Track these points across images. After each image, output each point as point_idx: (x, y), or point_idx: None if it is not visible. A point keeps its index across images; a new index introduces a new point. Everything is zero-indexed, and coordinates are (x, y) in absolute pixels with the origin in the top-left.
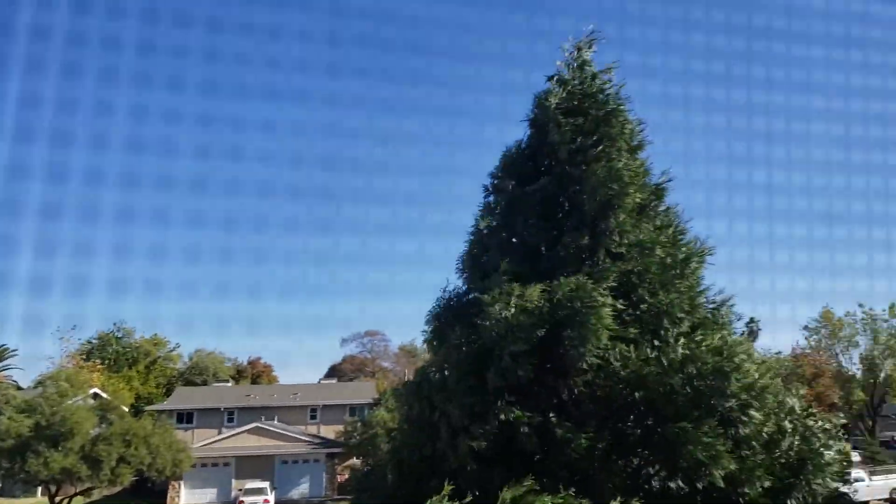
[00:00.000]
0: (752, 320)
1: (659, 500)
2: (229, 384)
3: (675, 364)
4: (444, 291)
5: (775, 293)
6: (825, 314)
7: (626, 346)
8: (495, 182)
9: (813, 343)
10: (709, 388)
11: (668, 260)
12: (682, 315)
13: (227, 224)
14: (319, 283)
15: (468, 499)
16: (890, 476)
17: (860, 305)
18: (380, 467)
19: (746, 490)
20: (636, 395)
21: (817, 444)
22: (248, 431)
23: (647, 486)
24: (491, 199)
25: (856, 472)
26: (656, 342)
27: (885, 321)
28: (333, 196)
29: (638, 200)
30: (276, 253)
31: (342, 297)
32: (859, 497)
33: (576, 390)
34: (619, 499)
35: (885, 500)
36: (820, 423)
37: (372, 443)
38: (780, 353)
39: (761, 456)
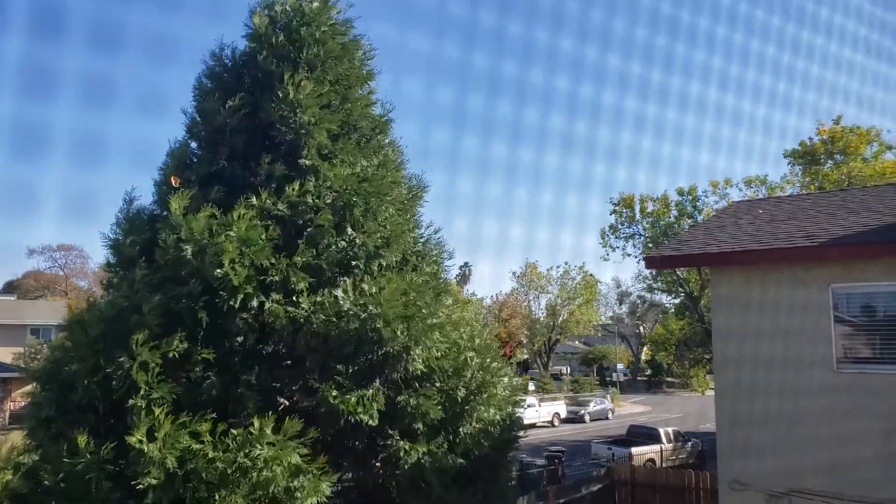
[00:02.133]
0: (465, 265)
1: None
2: None
3: (350, 309)
4: (129, 205)
5: (501, 243)
6: (531, 267)
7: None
8: (202, 96)
9: (516, 288)
10: (374, 332)
11: (382, 192)
12: (387, 252)
13: None
14: None
15: None
16: (555, 402)
17: (565, 263)
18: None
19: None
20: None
21: (491, 376)
22: None
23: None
24: (197, 116)
25: (529, 399)
26: (346, 280)
27: (573, 278)
28: None
29: (336, 129)
30: None
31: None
32: (529, 420)
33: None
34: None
35: (548, 421)
36: (496, 356)
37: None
38: (481, 297)
39: (438, 385)
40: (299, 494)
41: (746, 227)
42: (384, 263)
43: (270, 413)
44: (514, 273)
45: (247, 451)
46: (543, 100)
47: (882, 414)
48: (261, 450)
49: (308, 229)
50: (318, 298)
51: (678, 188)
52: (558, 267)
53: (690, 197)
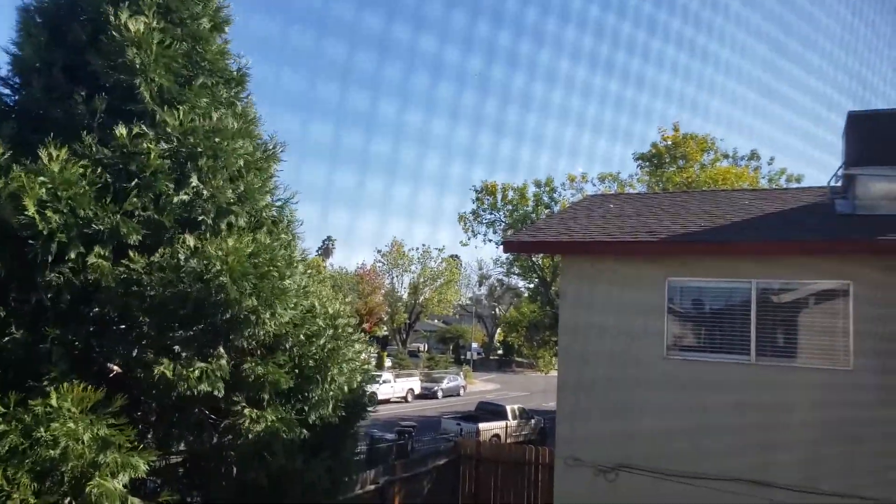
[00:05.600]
0: (328, 239)
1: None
2: None
3: (194, 267)
4: None
5: (366, 218)
6: (396, 245)
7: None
8: (27, 32)
9: (379, 265)
10: (220, 291)
11: (234, 145)
12: (238, 209)
13: None
14: None
15: None
16: (410, 379)
17: (423, 245)
18: None
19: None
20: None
21: (343, 342)
22: None
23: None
24: (17, 52)
25: (385, 375)
26: (188, 237)
27: (434, 258)
28: None
29: (180, 71)
30: None
31: None
32: (384, 395)
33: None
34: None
35: (403, 397)
36: (348, 322)
37: None
38: (343, 269)
39: (288, 354)
40: (108, 471)
41: (598, 219)
42: (235, 223)
43: (77, 381)
44: (379, 251)
45: (45, 424)
46: (401, 95)
47: (699, 396)
48: (60, 423)
49: (142, 175)
50: (156, 258)
51: (536, 180)
52: (417, 249)
53: (548, 188)
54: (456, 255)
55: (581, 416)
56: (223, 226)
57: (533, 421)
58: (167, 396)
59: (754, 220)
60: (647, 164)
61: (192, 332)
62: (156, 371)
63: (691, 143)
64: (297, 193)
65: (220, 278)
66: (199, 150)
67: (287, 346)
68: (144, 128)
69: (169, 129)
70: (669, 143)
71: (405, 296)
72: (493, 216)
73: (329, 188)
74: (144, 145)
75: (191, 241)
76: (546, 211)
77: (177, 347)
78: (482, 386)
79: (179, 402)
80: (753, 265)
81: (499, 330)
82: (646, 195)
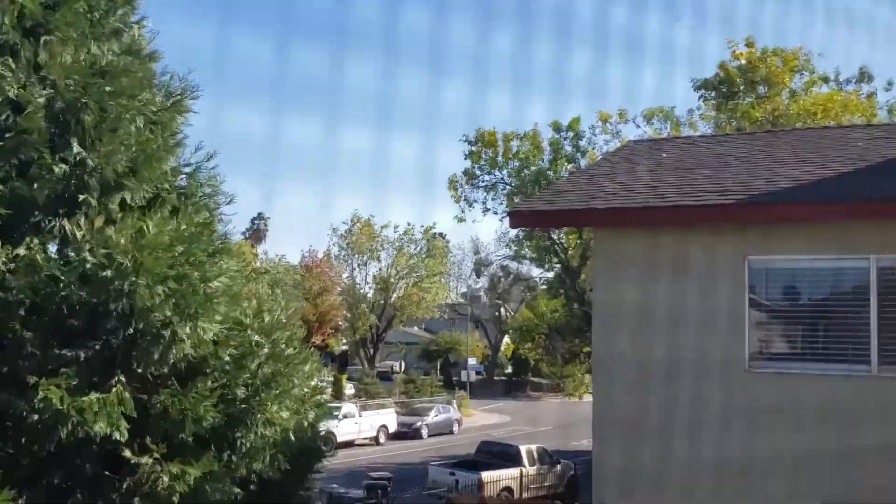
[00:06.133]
0: (259, 217)
1: None
2: None
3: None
4: None
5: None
6: (358, 222)
7: None
8: None
9: (335, 252)
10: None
11: (127, 91)
12: (133, 182)
13: None
14: None
15: None
16: (382, 412)
17: (408, 224)
18: None
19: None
20: None
21: (285, 366)
22: None
23: None
24: None
25: (346, 407)
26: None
27: (417, 241)
28: None
29: None
30: None
31: None
32: (345, 435)
33: None
34: None
35: (372, 438)
36: (292, 337)
37: None
38: (284, 258)
39: (212, 382)
40: None
41: (643, 175)
42: (129, 200)
43: None
44: (334, 229)
45: None
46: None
47: (797, 424)
48: None
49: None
50: (23, 251)
51: (554, 122)
52: (397, 227)
53: (571, 133)
54: (440, 234)
55: (626, 457)
56: (114, 205)
57: (559, 467)
58: (51, 437)
59: (872, 168)
60: (713, 93)
61: (84, 353)
62: (38, 398)
63: (774, 61)
64: (215, 154)
65: (127, 281)
66: (84, 101)
67: (209, 371)
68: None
69: (42, 74)
70: (743, 62)
71: (371, 293)
72: (493, 177)
73: (264, 144)
74: (9, 91)
75: (81, 225)
76: (569, 167)
77: (66, 371)
78: (484, 418)
79: (64, 448)
80: (873, 234)
81: (506, 338)
82: (713, 138)
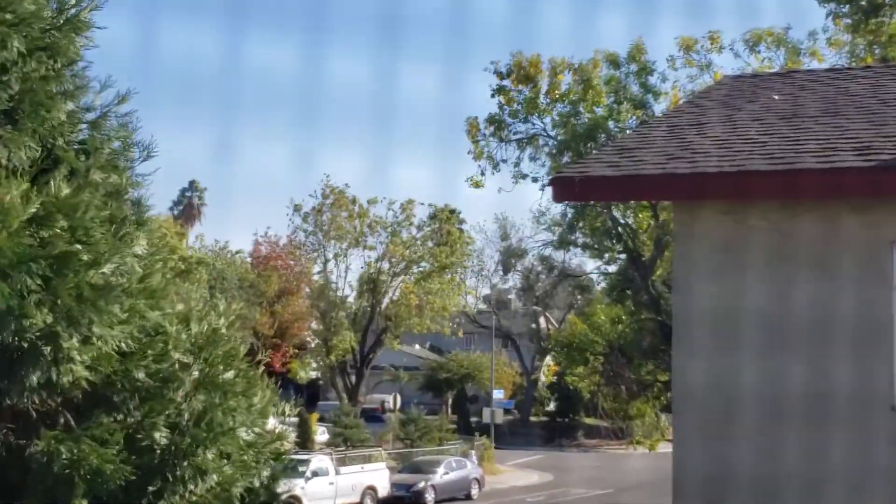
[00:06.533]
0: (192, 186)
1: None
2: None
3: None
4: None
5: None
6: (333, 192)
7: None
8: None
9: (301, 237)
10: None
11: None
12: (10, 133)
13: None
14: None
15: None
16: (369, 467)
17: (409, 201)
18: None
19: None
20: None
21: (223, 397)
22: None
23: None
24: None
25: (317, 460)
26: None
27: (420, 227)
28: None
29: None
30: None
31: None
32: (316, 501)
33: None
34: None
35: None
36: (232, 357)
37: None
38: (233, 249)
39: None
40: None
41: (745, 126)
42: (8, 161)
43: None
44: (296, 206)
45: None
46: None
47: None
48: None
49: None
50: None
51: (608, 54)
52: (392, 203)
53: (640, 68)
54: (454, 210)
55: None
56: None
57: None
58: None
59: None
60: (847, 8)
61: None
62: None
63: None
64: (130, 95)
65: None
66: None
67: (114, 402)
68: None
69: None
70: None
71: (353, 297)
72: (532, 126)
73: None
74: None
75: None
76: (638, 114)
77: None
78: (516, 477)
79: None
80: None
81: (547, 360)
82: (846, 71)
